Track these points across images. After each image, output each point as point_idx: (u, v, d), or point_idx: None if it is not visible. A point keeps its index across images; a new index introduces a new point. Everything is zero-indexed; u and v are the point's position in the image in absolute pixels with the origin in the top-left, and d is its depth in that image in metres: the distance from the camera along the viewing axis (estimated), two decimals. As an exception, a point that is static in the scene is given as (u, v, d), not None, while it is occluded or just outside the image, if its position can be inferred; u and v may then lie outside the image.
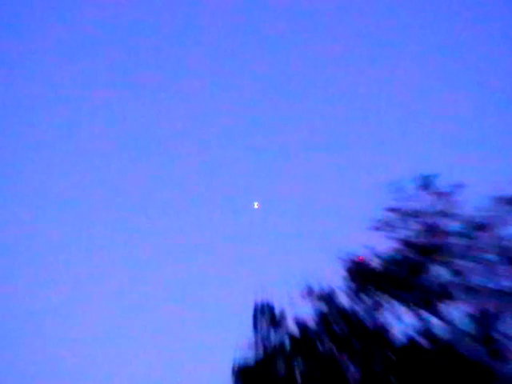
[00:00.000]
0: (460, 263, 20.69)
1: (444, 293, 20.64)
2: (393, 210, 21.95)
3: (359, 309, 21.48)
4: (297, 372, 20.83)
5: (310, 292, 22.26)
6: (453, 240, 20.98)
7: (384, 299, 21.36)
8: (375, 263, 21.83)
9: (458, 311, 20.42)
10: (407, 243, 21.44)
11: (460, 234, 20.98)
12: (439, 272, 20.94)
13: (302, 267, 22.48)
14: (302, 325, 21.67)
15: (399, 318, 20.91)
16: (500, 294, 19.73)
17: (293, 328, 21.72)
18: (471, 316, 20.16)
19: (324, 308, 21.89)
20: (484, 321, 20.09)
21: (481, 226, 20.80)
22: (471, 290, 20.31)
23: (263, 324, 22.05)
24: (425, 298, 20.82)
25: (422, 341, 20.41)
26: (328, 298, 22.04)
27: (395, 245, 21.66)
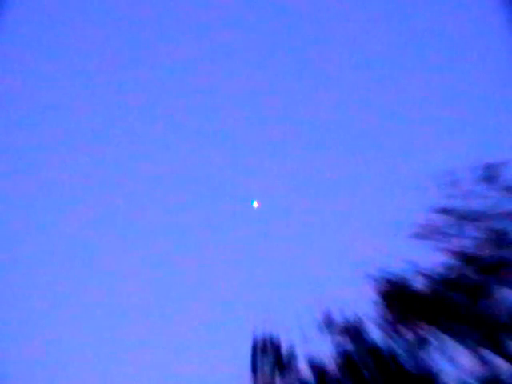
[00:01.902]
0: (537, 284, 14.91)
1: (515, 325, 14.88)
2: (444, 210, 15.96)
3: (397, 347, 15.63)
4: None
5: (329, 322, 16.33)
6: (527, 252, 15.13)
7: (432, 333, 15.53)
8: (419, 284, 15.92)
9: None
10: (464, 256, 15.53)
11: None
12: (508, 296, 15.13)
13: (317, 286, 16.53)
14: (318, 368, 15.81)
15: (453, 360, 15.13)
16: None
17: (306, 372, 15.86)
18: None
19: (349, 345, 16.01)
20: None
21: None
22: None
23: (266, 366, 16.14)
24: (488, 332, 15.03)
25: (485, 391, 14.69)
26: (354, 330, 16.14)
27: (447, 259, 15.75)
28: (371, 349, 15.74)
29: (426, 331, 15.50)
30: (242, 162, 19.38)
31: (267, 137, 19.61)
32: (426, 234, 16.00)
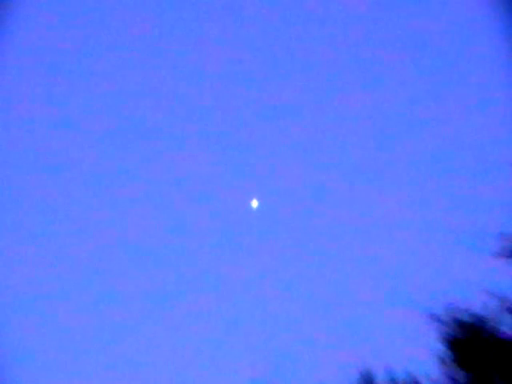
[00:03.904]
0: None
1: None
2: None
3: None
4: None
5: (367, 382, 10.98)
6: None
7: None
8: (506, 327, 10.51)
9: None
10: None
11: None
12: None
13: (350, 329, 11.31)
14: None
15: None
16: None
17: None
18: None
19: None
20: None
21: None
22: None
23: None
24: None
25: None
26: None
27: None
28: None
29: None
30: (242, 162, 15.77)
31: (268, 136, 16.29)
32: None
